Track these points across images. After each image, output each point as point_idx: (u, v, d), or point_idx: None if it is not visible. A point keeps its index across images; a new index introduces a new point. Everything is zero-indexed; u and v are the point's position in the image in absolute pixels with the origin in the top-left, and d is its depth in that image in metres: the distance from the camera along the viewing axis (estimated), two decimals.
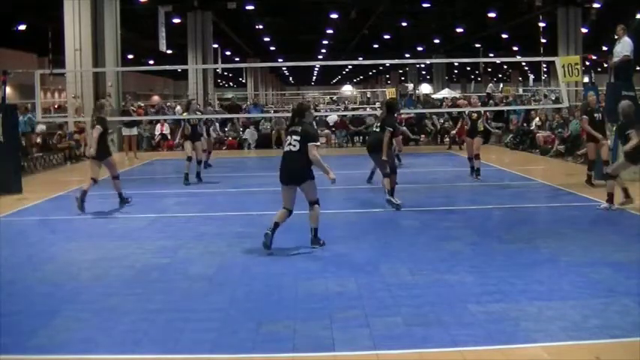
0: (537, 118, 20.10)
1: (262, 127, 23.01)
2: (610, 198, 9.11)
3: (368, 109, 24.76)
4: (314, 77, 73.14)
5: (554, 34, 30.23)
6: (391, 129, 9.61)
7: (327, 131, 22.92)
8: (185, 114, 13.64)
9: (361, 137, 22.52)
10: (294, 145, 6.97)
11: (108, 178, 10.30)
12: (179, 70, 40.70)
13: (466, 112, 13.31)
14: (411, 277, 6.03)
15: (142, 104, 28.15)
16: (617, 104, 9.60)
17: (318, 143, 7.21)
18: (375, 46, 44.35)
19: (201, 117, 14.05)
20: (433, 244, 7.42)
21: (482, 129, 12.76)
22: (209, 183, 12.92)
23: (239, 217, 9.16)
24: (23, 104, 19.76)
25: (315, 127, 11.21)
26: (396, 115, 10.57)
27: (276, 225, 6.99)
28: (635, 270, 6.09)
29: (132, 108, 20.02)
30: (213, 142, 17.61)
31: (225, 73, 59.39)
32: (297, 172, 7.00)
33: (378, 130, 10.01)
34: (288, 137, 7.11)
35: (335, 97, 50.16)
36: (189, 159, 12.82)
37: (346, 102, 43.31)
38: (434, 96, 37.03)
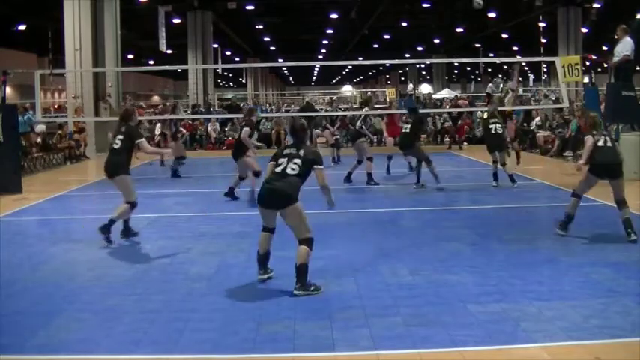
0: (537, 118, 20.11)
1: (262, 127, 23.00)
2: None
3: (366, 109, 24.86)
4: (314, 77, 73.14)
5: (554, 34, 30.24)
6: None
7: (327, 131, 22.90)
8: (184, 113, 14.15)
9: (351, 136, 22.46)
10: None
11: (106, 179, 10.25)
12: (179, 70, 40.69)
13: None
14: (411, 277, 6.03)
15: (143, 104, 28.16)
16: (618, 104, 9.60)
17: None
18: (375, 46, 44.36)
19: (203, 117, 14.11)
20: (433, 244, 7.41)
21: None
22: (208, 183, 12.93)
23: (238, 217, 9.15)
24: (22, 104, 19.74)
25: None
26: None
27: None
28: (635, 270, 6.09)
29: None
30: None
31: (225, 73, 59.39)
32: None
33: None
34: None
35: (335, 97, 50.16)
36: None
37: (341, 103, 43.15)
38: (433, 96, 36.99)
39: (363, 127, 12.52)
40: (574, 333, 4.54)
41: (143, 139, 8.09)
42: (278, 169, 5.81)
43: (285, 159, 5.83)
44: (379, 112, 18.07)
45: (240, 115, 23.55)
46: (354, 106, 33.66)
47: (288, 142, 22.19)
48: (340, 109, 23.07)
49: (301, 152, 5.85)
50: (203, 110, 25.23)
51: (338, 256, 6.83)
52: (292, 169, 5.75)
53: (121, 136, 7.86)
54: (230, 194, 10.46)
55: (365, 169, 12.19)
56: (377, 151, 16.92)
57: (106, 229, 7.55)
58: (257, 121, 22.60)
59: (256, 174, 10.01)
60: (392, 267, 6.35)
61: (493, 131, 11.53)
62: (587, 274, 5.99)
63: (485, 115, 12.06)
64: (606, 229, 8.07)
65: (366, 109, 13.59)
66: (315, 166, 5.85)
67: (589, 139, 7.39)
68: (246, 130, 10.20)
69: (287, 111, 25.88)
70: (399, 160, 13.83)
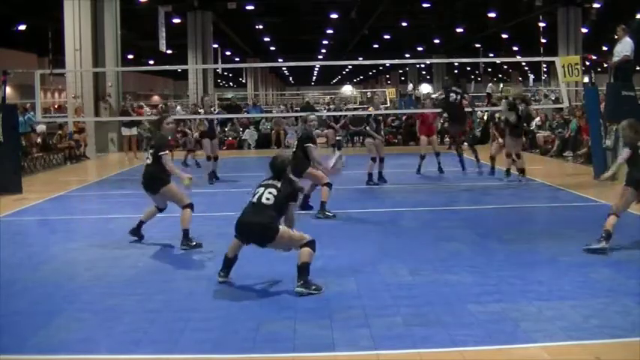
0: (537, 118, 20.10)
1: (262, 127, 23.02)
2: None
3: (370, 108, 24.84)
4: (314, 77, 73.12)
5: (554, 34, 30.24)
6: None
7: (327, 131, 22.92)
8: (202, 111, 14.37)
9: (361, 137, 22.48)
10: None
11: (108, 178, 10.28)
12: (179, 70, 40.67)
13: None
14: (411, 277, 6.03)
15: (143, 104, 28.15)
16: (618, 104, 9.55)
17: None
18: (375, 46, 44.36)
19: (202, 117, 14.10)
20: (433, 244, 7.41)
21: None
22: (208, 183, 12.93)
23: None
24: (22, 104, 19.76)
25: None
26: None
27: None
28: (635, 270, 6.09)
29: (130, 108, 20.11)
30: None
31: (225, 73, 59.38)
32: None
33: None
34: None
35: (336, 98, 50.14)
36: (210, 158, 13.38)
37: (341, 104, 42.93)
38: (433, 96, 36.94)
39: (368, 127, 12.54)
40: (574, 333, 4.54)
41: (165, 153, 7.49)
42: (254, 199, 5.77)
43: (262, 188, 5.80)
44: (383, 111, 18.03)
45: (240, 115, 23.68)
46: (355, 106, 33.65)
47: (288, 142, 22.26)
48: (342, 109, 23.03)
49: (279, 184, 5.78)
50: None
51: (338, 256, 6.82)
52: (267, 199, 5.69)
53: (151, 145, 7.61)
54: (305, 206, 9.31)
55: (367, 168, 12.22)
56: (411, 151, 16.95)
57: (186, 241, 7.36)
58: (256, 122, 22.72)
59: (328, 185, 9.10)
60: (392, 267, 6.35)
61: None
62: (587, 274, 5.99)
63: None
64: None
65: (371, 108, 13.63)
66: (290, 202, 5.83)
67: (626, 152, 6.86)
68: (311, 147, 9.03)
69: (296, 111, 25.84)
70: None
